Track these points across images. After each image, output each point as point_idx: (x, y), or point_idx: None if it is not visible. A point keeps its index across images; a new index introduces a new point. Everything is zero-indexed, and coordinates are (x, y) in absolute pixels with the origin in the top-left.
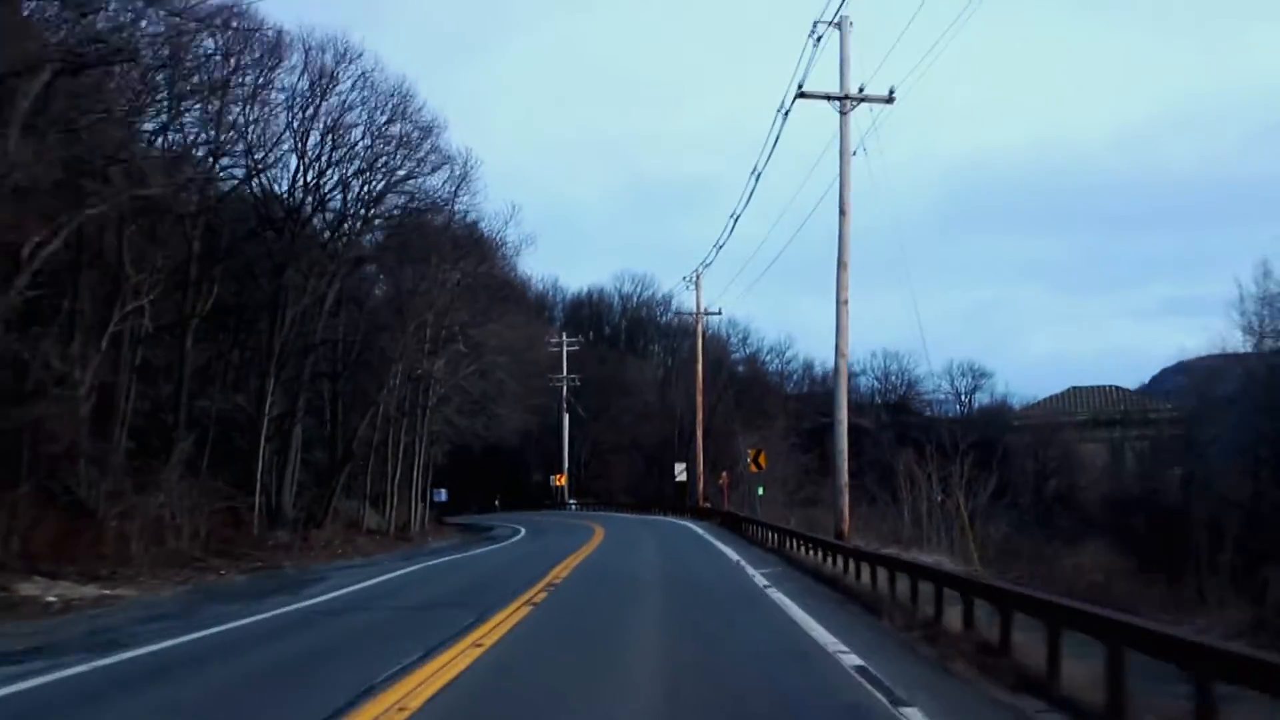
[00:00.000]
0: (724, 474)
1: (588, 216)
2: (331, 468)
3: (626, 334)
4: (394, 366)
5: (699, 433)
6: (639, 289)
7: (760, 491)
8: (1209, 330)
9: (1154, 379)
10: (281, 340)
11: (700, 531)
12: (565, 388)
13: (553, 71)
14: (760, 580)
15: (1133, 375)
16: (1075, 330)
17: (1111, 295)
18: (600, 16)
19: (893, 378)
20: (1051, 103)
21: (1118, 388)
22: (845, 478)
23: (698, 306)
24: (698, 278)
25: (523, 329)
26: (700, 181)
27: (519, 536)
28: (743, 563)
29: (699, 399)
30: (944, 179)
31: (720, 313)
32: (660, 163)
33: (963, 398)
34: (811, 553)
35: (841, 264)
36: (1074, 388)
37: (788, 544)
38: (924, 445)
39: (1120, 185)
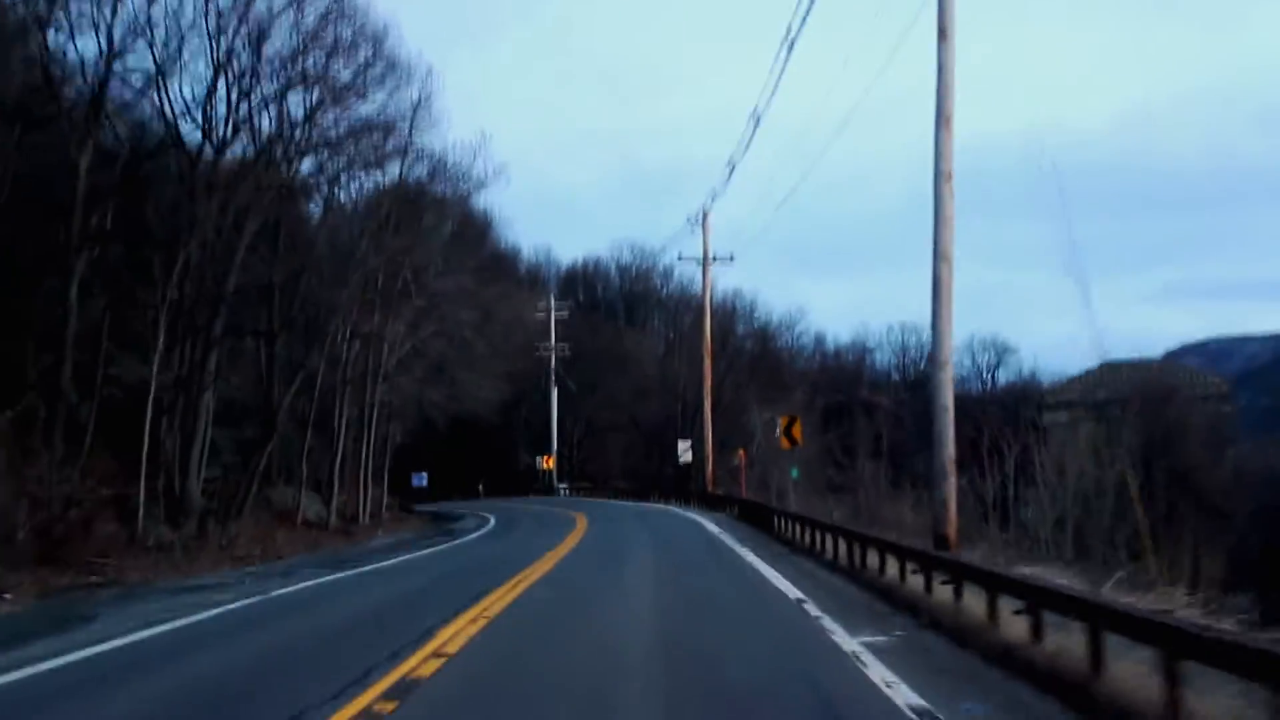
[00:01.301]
0: (740, 451)
1: (584, 200)
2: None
3: (625, 306)
4: (334, 322)
5: (707, 403)
6: (638, 259)
7: (795, 474)
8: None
9: (1169, 355)
10: (178, 285)
11: (713, 529)
12: (554, 357)
13: (551, 56)
14: (873, 666)
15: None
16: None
17: (1112, 279)
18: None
19: (911, 353)
20: (1052, 86)
21: (1150, 360)
22: (951, 452)
23: (705, 250)
24: (704, 215)
25: (494, 283)
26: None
27: (481, 532)
28: (807, 603)
29: (706, 362)
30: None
31: (733, 259)
32: (659, 150)
33: (984, 374)
34: (908, 572)
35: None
36: (1108, 362)
37: (857, 555)
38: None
39: (1119, 168)
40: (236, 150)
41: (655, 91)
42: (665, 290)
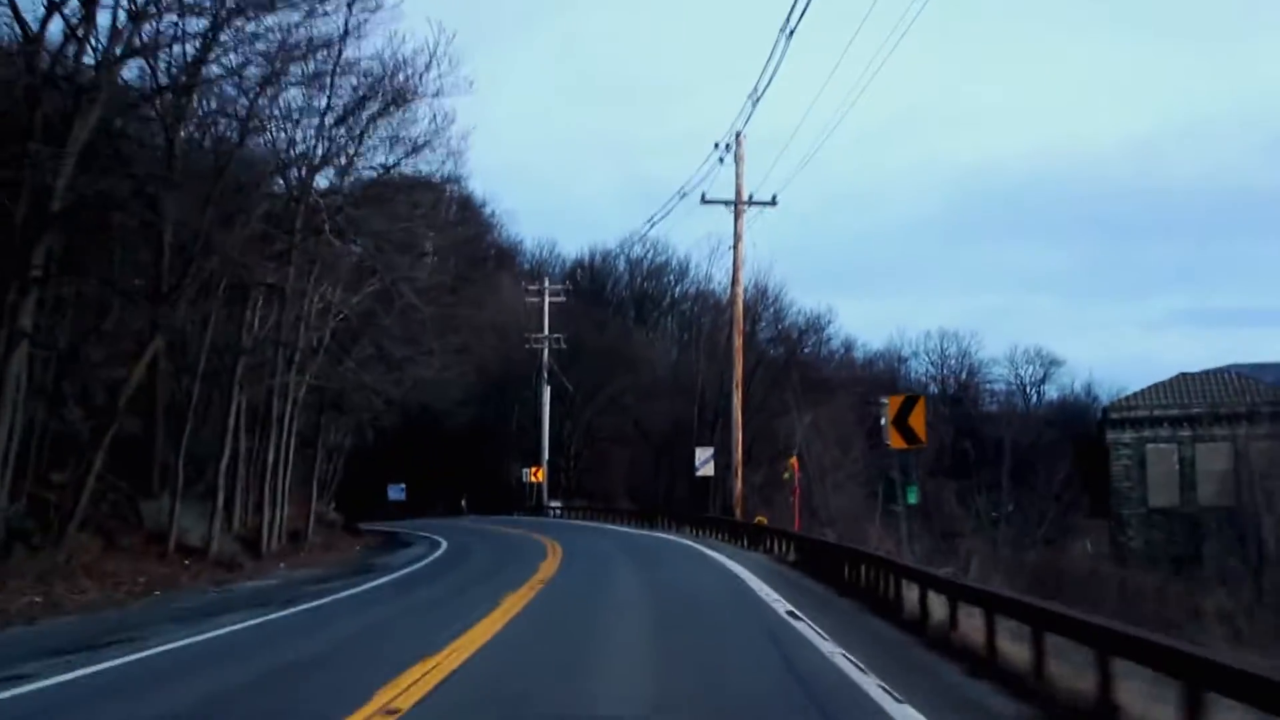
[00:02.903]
0: (791, 460)
1: (593, 208)
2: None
3: (635, 305)
4: (209, 267)
5: (737, 396)
6: (650, 255)
7: (911, 496)
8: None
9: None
10: None
11: (765, 592)
12: (546, 350)
13: (558, 65)
14: None
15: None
16: (1083, 339)
17: (1119, 305)
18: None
19: (951, 363)
20: (1061, 111)
21: (1238, 373)
22: None
23: (738, 186)
24: (737, 139)
25: (452, 226)
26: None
27: (402, 572)
28: None
29: (737, 339)
30: (952, 185)
31: (775, 202)
32: (663, 161)
33: (1029, 389)
34: None
35: None
36: (1183, 374)
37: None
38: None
39: (1127, 194)
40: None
41: (666, 102)
42: (679, 289)
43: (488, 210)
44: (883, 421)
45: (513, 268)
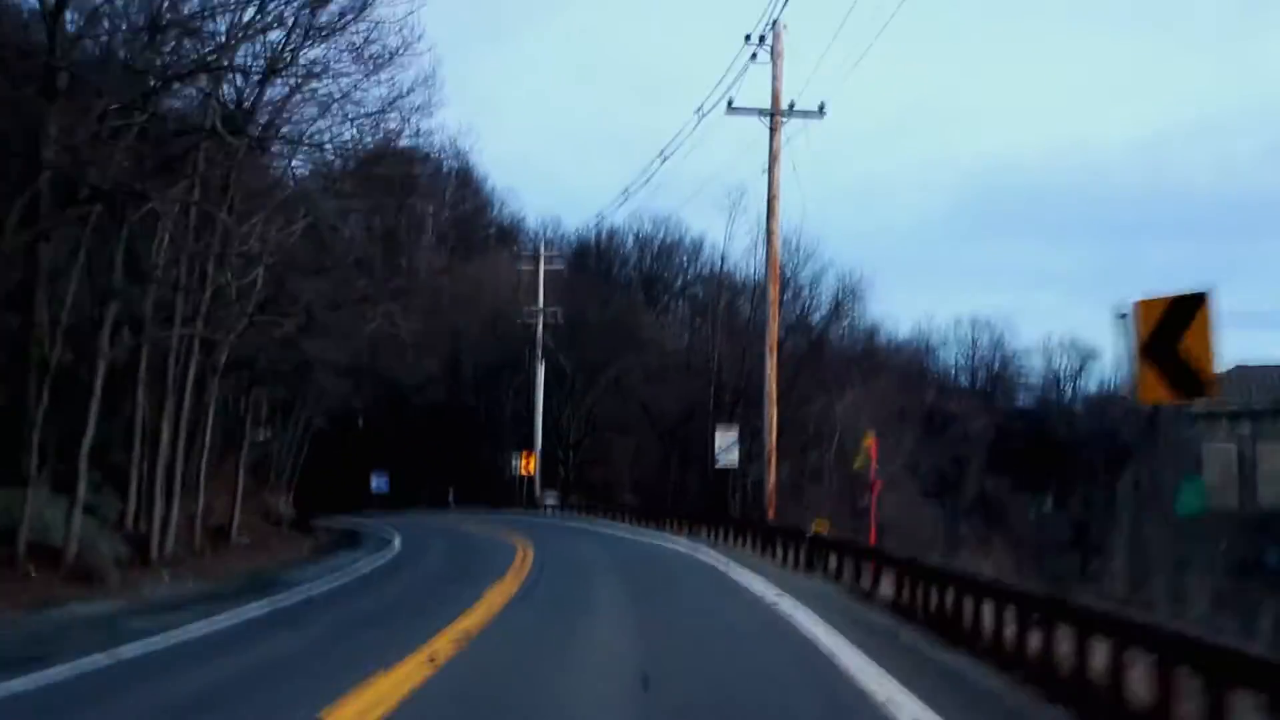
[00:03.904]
0: (867, 439)
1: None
2: None
3: (644, 289)
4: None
5: (771, 360)
6: (661, 233)
7: (1195, 502)
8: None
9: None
10: None
11: None
12: (540, 323)
13: (570, 59)
14: None
15: None
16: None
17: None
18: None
19: (982, 353)
20: (1067, 112)
21: None
22: None
23: (775, 90)
24: (775, 30)
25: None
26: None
27: (291, 601)
28: None
29: (772, 290)
30: (961, 184)
31: (823, 112)
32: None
33: (1063, 382)
34: None
35: None
36: (1241, 365)
37: None
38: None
39: (1134, 195)
40: None
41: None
42: (692, 270)
43: (488, 185)
44: (1125, 348)
45: (514, 246)
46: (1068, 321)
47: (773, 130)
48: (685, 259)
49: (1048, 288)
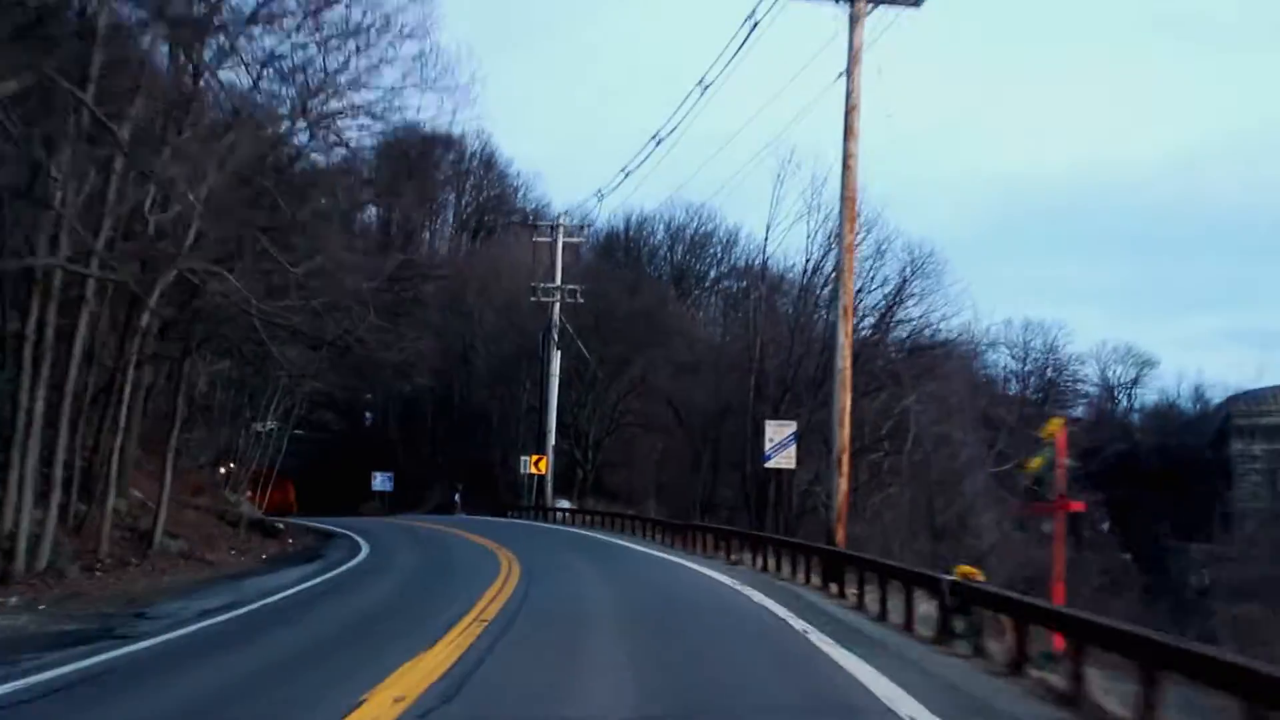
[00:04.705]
0: (1053, 426)
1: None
2: None
3: (675, 282)
4: None
5: (844, 324)
6: (695, 222)
7: None
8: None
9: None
10: None
11: None
12: (558, 305)
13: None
14: None
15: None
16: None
17: (1162, 322)
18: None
19: (1035, 357)
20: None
21: None
22: None
23: None
24: None
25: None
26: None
27: (152, 642)
28: None
29: (848, 235)
30: (996, 199)
31: (919, 1)
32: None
33: (1117, 392)
34: None
35: None
36: None
37: None
38: None
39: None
40: None
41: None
42: (727, 261)
43: (513, 171)
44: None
45: (534, 229)
46: (1120, 333)
47: (854, 20)
48: (719, 250)
49: (1093, 302)
